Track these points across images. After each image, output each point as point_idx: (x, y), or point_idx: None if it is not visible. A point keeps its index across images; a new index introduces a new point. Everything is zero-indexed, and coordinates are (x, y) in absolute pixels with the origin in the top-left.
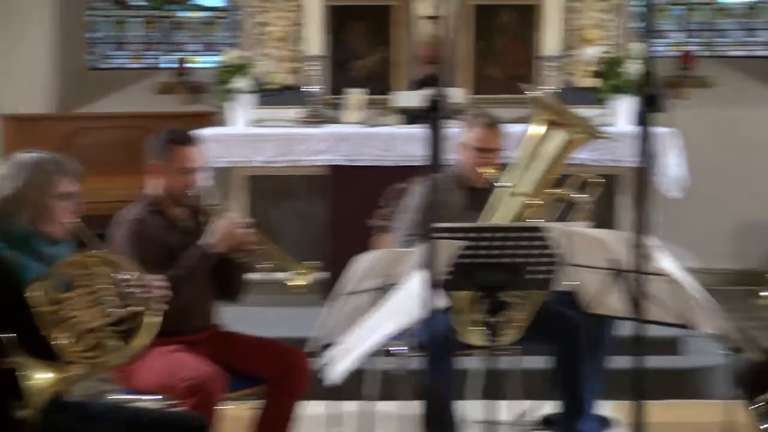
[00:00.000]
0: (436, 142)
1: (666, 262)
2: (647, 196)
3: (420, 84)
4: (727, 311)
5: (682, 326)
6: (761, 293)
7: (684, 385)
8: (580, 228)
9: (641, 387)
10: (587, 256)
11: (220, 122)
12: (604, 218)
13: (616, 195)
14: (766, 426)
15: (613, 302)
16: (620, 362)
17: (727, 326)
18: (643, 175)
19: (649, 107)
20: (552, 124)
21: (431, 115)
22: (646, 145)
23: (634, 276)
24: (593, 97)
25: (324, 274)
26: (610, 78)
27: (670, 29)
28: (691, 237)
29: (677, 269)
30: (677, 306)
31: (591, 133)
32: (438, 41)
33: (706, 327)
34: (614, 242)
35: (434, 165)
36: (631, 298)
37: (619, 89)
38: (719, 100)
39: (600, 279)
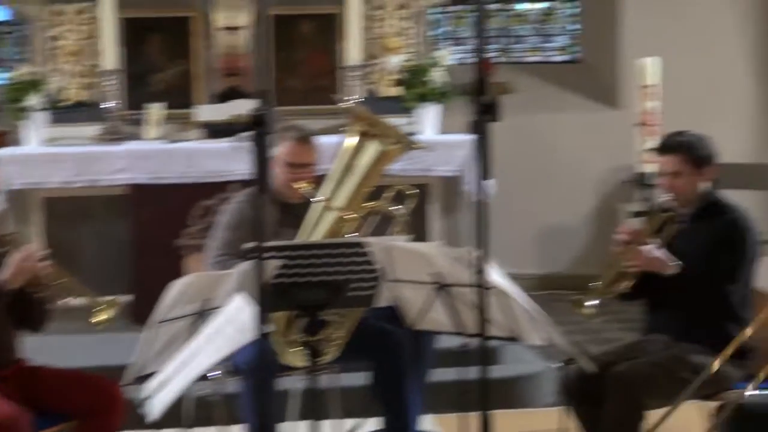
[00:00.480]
0: (261, 158)
1: (493, 273)
2: (460, 206)
3: (221, 97)
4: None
5: (511, 339)
6: (586, 303)
7: (503, 394)
8: (400, 242)
9: (471, 398)
10: (408, 270)
11: (15, 142)
12: (416, 229)
13: (427, 205)
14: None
15: (437, 316)
16: (442, 375)
17: (557, 337)
18: (469, 185)
19: (486, 115)
20: (365, 135)
21: (255, 130)
22: (481, 154)
23: (466, 289)
24: (398, 106)
25: (128, 298)
26: (414, 86)
27: (468, 36)
28: (498, 243)
29: (504, 280)
30: (504, 318)
31: (406, 143)
32: (238, 52)
33: (534, 339)
34: (436, 255)
35: (260, 182)
36: (452, 313)
37: (424, 98)
38: (519, 106)
39: (422, 293)
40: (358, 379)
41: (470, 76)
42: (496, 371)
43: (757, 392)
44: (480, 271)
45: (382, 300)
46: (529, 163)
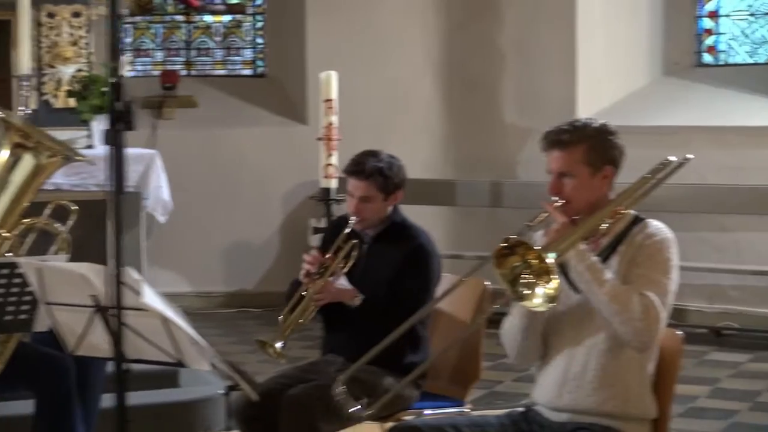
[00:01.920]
0: None
1: (151, 297)
2: (122, 221)
3: None
4: (221, 335)
5: (174, 365)
6: (276, 344)
7: (184, 418)
8: (54, 262)
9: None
10: (63, 292)
11: None
12: (95, 246)
13: (106, 221)
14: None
15: (97, 342)
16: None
17: (219, 363)
18: (117, 197)
19: (120, 125)
20: (18, 147)
21: None
22: (117, 165)
23: (117, 312)
24: (74, 118)
25: None
26: (88, 98)
27: (152, 48)
28: (181, 261)
29: (163, 304)
30: (167, 343)
31: (63, 155)
32: None
33: (197, 365)
34: (94, 276)
35: None
36: (113, 337)
37: (100, 109)
38: (203, 119)
39: (82, 317)
40: (21, 407)
41: (152, 88)
42: (174, 395)
43: (431, 411)
44: (137, 292)
45: (41, 325)
46: (215, 178)
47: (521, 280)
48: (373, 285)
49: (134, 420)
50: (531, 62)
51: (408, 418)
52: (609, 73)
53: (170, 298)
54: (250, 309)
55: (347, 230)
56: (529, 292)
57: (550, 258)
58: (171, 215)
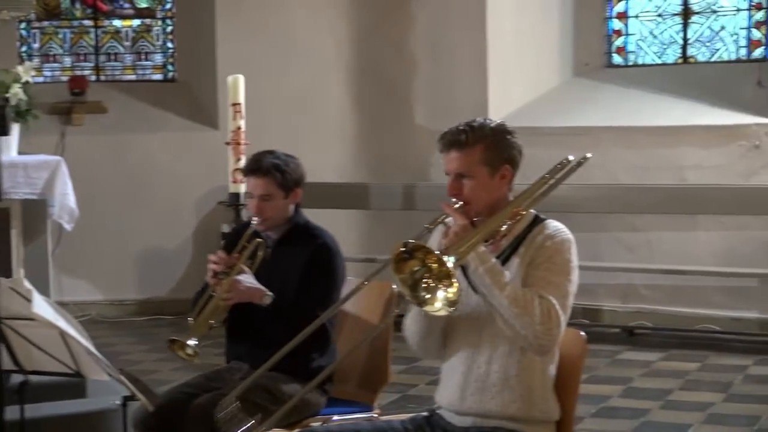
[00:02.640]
0: None
1: (42, 306)
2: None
3: None
4: (134, 343)
5: (73, 375)
6: (188, 342)
7: (91, 429)
8: None
9: None
10: None
11: None
12: (0, 254)
13: (11, 229)
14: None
15: None
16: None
17: (115, 374)
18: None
19: None
20: None
21: None
22: None
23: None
24: None
25: None
26: None
27: (61, 53)
28: (92, 269)
29: (55, 314)
30: (65, 354)
31: None
32: None
33: (95, 375)
34: None
35: None
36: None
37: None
38: (113, 125)
39: None
40: None
41: (61, 94)
42: (80, 405)
43: (338, 418)
44: (29, 302)
45: None
46: (127, 185)
47: (422, 285)
48: (279, 287)
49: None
50: (442, 64)
51: (315, 424)
52: (520, 75)
53: (82, 306)
54: (163, 316)
55: (250, 230)
56: (430, 296)
57: (450, 262)
58: (81, 222)
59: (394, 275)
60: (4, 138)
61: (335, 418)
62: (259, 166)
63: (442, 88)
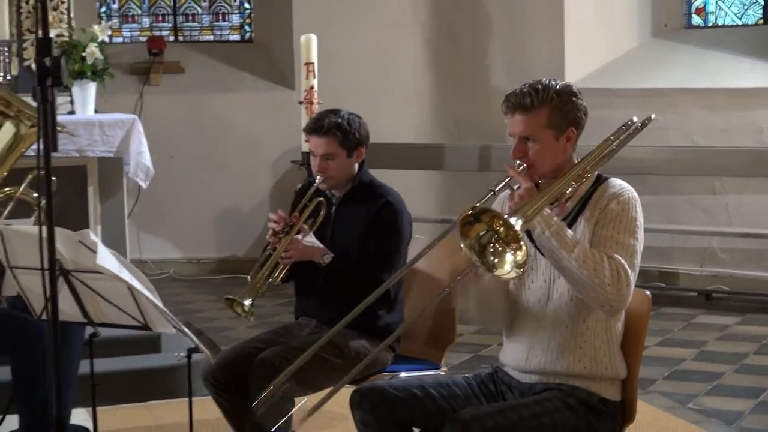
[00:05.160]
0: None
1: (107, 259)
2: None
3: None
4: (212, 301)
5: (140, 328)
6: (244, 302)
7: (163, 384)
8: (18, 226)
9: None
10: (28, 256)
11: None
12: (77, 212)
13: (89, 187)
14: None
15: (63, 306)
16: (100, 366)
17: (179, 326)
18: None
19: (48, 79)
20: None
21: None
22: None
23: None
24: None
25: None
26: (68, 63)
27: (139, 14)
28: (171, 227)
29: (120, 267)
30: (132, 307)
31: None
32: None
33: (162, 328)
34: (57, 240)
35: None
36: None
37: (81, 75)
38: (190, 85)
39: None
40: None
41: (139, 55)
42: (154, 360)
43: (405, 375)
44: (95, 258)
45: (11, 289)
46: (204, 144)
47: (490, 249)
48: (342, 245)
49: (114, 385)
50: (519, 25)
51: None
52: (597, 36)
53: (160, 264)
54: (240, 275)
55: (312, 189)
56: (498, 260)
57: (518, 225)
58: (160, 181)
59: (461, 241)
60: (80, 96)
61: (402, 375)
62: (321, 125)
63: (518, 49)
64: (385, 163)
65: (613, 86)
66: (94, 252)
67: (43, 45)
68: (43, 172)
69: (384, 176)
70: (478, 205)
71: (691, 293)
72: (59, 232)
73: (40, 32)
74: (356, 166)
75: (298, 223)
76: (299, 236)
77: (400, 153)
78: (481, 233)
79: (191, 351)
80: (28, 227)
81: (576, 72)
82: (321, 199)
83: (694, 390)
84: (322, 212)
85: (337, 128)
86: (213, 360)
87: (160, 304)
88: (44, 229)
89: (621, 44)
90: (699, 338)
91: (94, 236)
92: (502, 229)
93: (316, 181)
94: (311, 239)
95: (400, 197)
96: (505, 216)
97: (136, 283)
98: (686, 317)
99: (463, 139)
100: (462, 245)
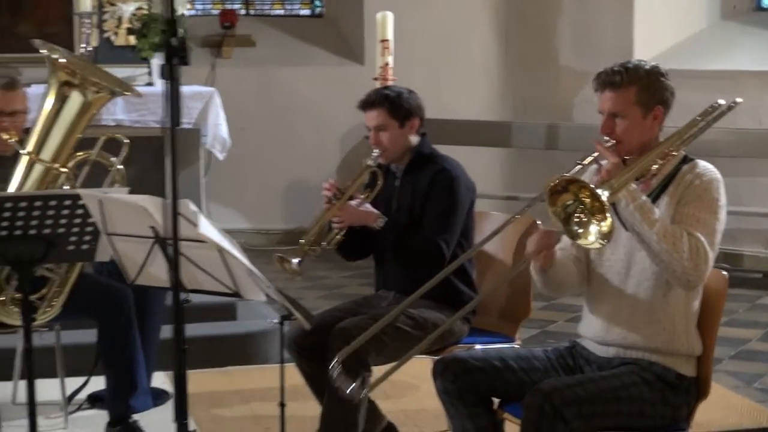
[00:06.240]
0: None
1: (207, 228)
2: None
3: None
4: (280, 272)
5: (231, 295)
6: (292, 260)
7: (241, 350)
8: (115, 194)
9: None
10: (126, 223)
11: None
12: (155, 181)
13: (166, 157)
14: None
15: (156, 272)
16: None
17: (273, 294)
18: (172, 130)
19: (174, 59)
20: (66, 85)
21: None
22: (171, 99)
23: (176, 243)
24: (134, 55)
25: None
26: (148, 36)
27: None
28: (240, 198)
29: (219, 235)
30: (224, 274)
31: (108, 91)
32: None
33: (252, 295)
34: (154, 208)
35: None
36: (172, 267)
37: (159, 47)
38: (261, 58)
39: (142, 248)
40: (83, 336)
41: (211, 27)
42: (233, 327)
43: (481, 347)
44: (194, 224)
45: (103, 254)
46: (273, 117)
47: (575, 219)
48: (405, 215)
49: (192, 350)
50: (588, 5)
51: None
52: (666, 17)
53: (229, 234)
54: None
55: (369, 162)
56: (583, 230)
57: (603, 196)
58: (230, 152)
59: (548, 207)
60: (158, 68)
61: (477, 347)
62: (370, 99)
63: (587, 28)
64: (452, 139)
65: (681, 67)
66: (194, 222)
67: (170, 25)
68: (115, 136)
69: (451, 152)
70: (567, 174)
71: (755, 274)
72: (157, 201)
73: (168, 12)
74: (413, 138)
75: (350, 190)
76: (352, 202)
77: (467, 129)
78: (568, 202)
79: (284, 318)
80: (125, 196)
81: (644, 52)
82: (376, 169)
83: (759, 370)
84: (379, 182)
85: (385, 99)
86: (308, 326)
87: (257, 272)
88: (162, 200)
89: (689, 26)
90: (764, 319)
91: (193, 206)
92: (588, 199)
93: (374, 153)
94: (366, 205)
95: (460, 165)
96: (593, 186)
97: (236, 252)
98: (751, 298)
99: (531, 117)
100: (549, 210)
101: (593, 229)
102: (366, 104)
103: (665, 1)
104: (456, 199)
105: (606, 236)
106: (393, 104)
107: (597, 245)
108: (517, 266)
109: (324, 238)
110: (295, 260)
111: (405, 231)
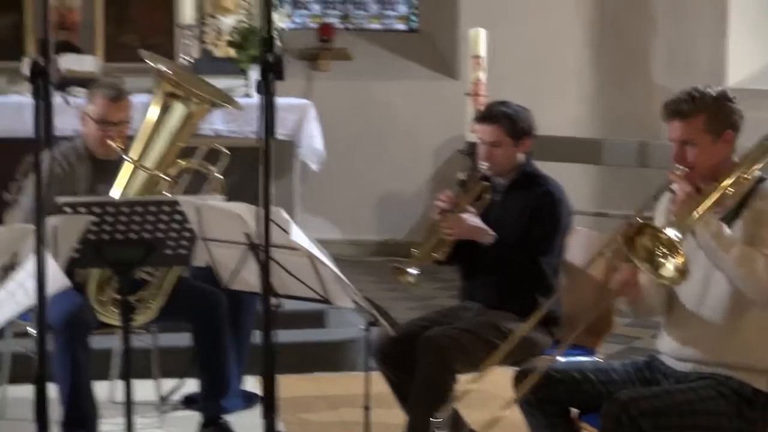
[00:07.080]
0: (41, 110)
1: (299, 236)
2: (271, 167)
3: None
4: (372, 282)
5: (320, 301)
6: (409, 270)
7: (328, 357)
8: (212, 201)
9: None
10: (221, 230)
11: None
12: (251, 190)
13: (259, 168)
14: None
15: (249, 277)
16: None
17: (360, 300)
18: (266, 142)
19: (270, 74)
20: (170, 97)
21: (36, 81)
22: (266, 113)
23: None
24: (234, 67)
25: None
26: (247, 48)
27: (310, 0)
28: (333, 209)
29: (310, 243)
30: (313, 280)
31: (209, 102)
32: (70, 6)
33: (340, 302)
34: (248, 215)
35: (44, 137)
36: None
37: (258, 60)
38: (357, 72)
39: (236, 254)
40: (178, 339)
41: (309, 40)
42: (322, 335)
43: (563, 359)
44: (286, 232)
45: (199, 260)
46: (367, 130)
47: (657, 256)
48: (505, 230)
49: (281, 356)
50: (682, 23)
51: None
52: (761, 36)
53: (322, 244)
54: (399, 258)
55: (479, 175)
56: (662, 269)
57: (678, 236)
58: (324, 164)
59: (630, 254)
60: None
61: (560, 359)
62: (490, 114)
63: (680, 47)
64: (543, 155)
65: None
66: (286, 230)
67: (266, 43)
68: (216, 146)
69: (542, 168)
70: (640, 220)
71: None
72: (251, 208)
73: (265, 30)
74: (521, 156)
75: (463, 203)
76: (464, 216)
77: (558, 146)
78: (647, 244)
79: (370, 324)
80: (221, 203)
81: (738, 72)
82: (486, 183)
83: None
84: (487, 197)
85: (505, 117)
86: (393, 333)
87: (345, 279)
88: (255, 207)
89: None
90: None
91: (285, 214)
92: (665, 237)
93: (482, 167)
94: (475, 219)
95: (562, 188)
96: (665, 230)
97: (326, 259)
98: None
99: (623, 134)
100: (631, 255)
101: (671, 266)
102: (485, 118)
103: (759, 21)
104: (558, 223)
105: (684, 273)
106: (512, 123)
107: (678, 281)
108: (601, 304)
109: (436, 250)
110: (415, 271)
111: (510, 250)
